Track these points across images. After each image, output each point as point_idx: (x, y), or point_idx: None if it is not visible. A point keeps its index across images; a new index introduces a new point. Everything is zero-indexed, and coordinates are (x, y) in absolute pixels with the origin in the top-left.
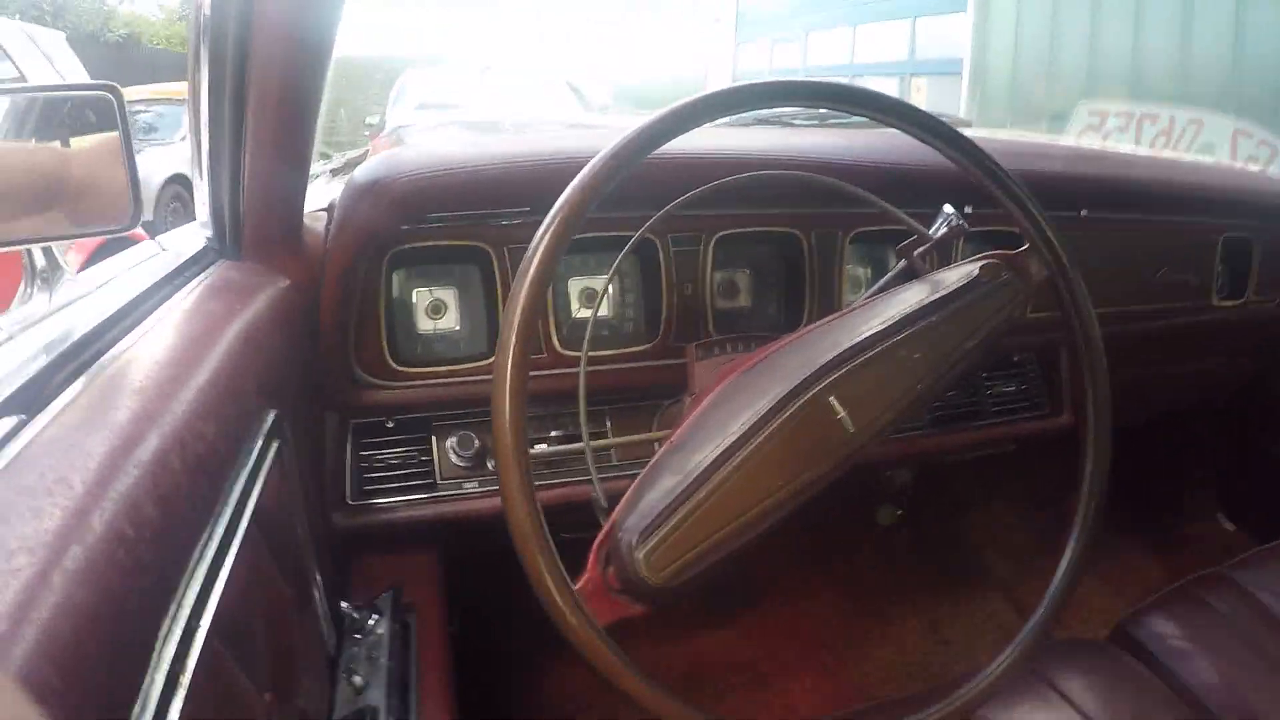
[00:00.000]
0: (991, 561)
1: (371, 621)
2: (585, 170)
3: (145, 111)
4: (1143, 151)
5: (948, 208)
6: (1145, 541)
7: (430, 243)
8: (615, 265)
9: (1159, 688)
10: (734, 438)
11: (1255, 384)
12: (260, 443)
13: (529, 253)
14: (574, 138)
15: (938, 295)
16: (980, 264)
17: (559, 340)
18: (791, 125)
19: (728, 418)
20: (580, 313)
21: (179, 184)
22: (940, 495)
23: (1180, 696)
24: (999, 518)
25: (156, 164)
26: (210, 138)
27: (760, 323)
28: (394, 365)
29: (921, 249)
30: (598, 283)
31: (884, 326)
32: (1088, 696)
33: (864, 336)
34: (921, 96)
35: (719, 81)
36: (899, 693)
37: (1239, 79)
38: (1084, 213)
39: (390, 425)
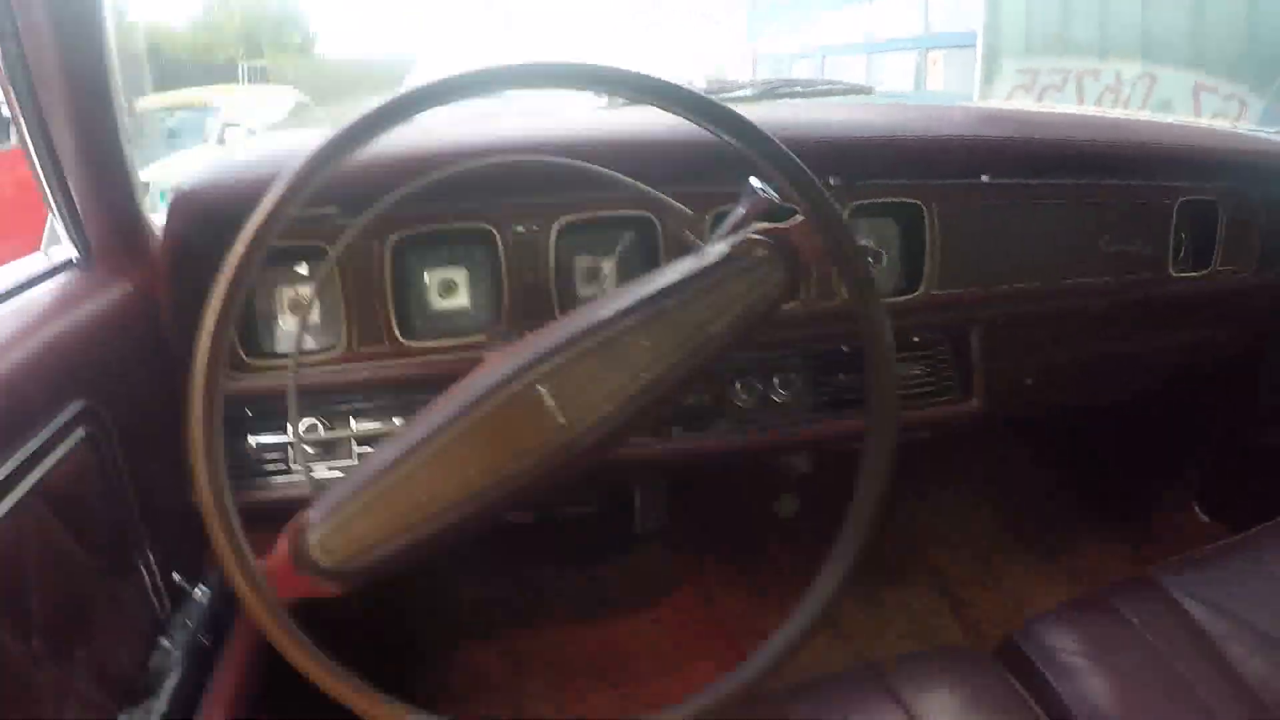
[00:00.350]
0: (898, 555)
1: (198, 592)
2: (274, 188)
3: (169, 118)
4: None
5: (754, 181)
6: (1111, 530)
7: (289, 243)
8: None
9: (1025, 709)
10: (432, 426)
11: (1238, 364)
12: (54, 430)
13: (228, 257)
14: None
15: (674, 278)
16: (733, 240)
17: (399, 330)
18: (739, 100)
19: (440, 405)
20: (440, 304)
21: None
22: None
23: (1051, 714)
24: (910, 510)
25: (176, 170)
26: (33, 149)
27: None
28: (245, 359)
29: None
30: (457, 274)
31: (610, 313)
32: (932, 715)
33: (594, 321)
34: (938, 70)
35: (738, 72)
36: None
37: (1255, 48)
38: (985, 178)
39: (249, 413)
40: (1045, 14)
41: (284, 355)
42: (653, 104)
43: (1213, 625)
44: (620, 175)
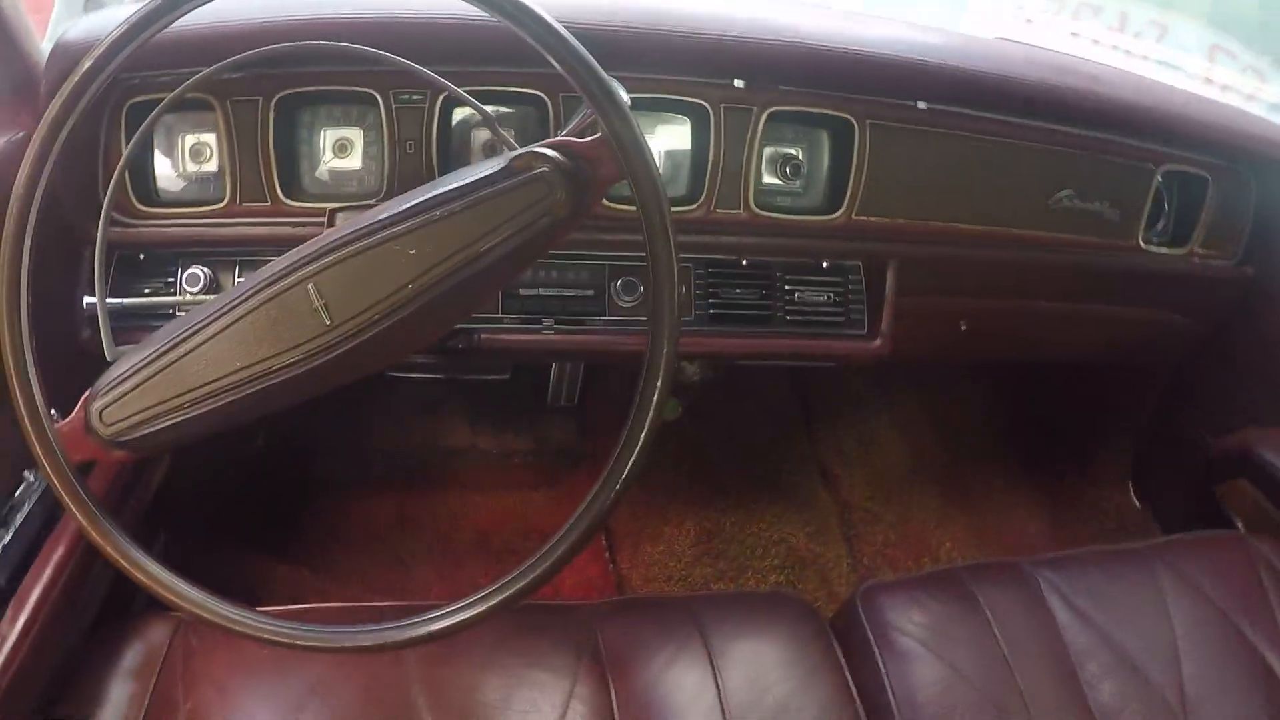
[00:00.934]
0: (786, 478)
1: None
2: (97, 49)
3: None
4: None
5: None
6: (1042, 499)
7: (194, 94)
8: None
9: (837, 676)
10: (211, 310)
11: (1198, 352)
12: None
13: (45, 114)
14: None
15: (451, 185)
16: (516, 154)
17: (281, 189)
18: None
19: (231, 290)
20: (333, 163)
21: None
22: (745, 398)
23: (864, 696)
24: (831, 433)
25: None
26: None
27: None
28: (139, 206)
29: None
30: (353, 134)
31: (389, 215)
32: (738, 666)
33: (366, 222)
34: None
35: None
36: (656, 593)
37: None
38: (921, 104)
39: (142, 258)
40: None
41: (180, 204)
42: None
43: (1074, 635)
44: (436, 77)
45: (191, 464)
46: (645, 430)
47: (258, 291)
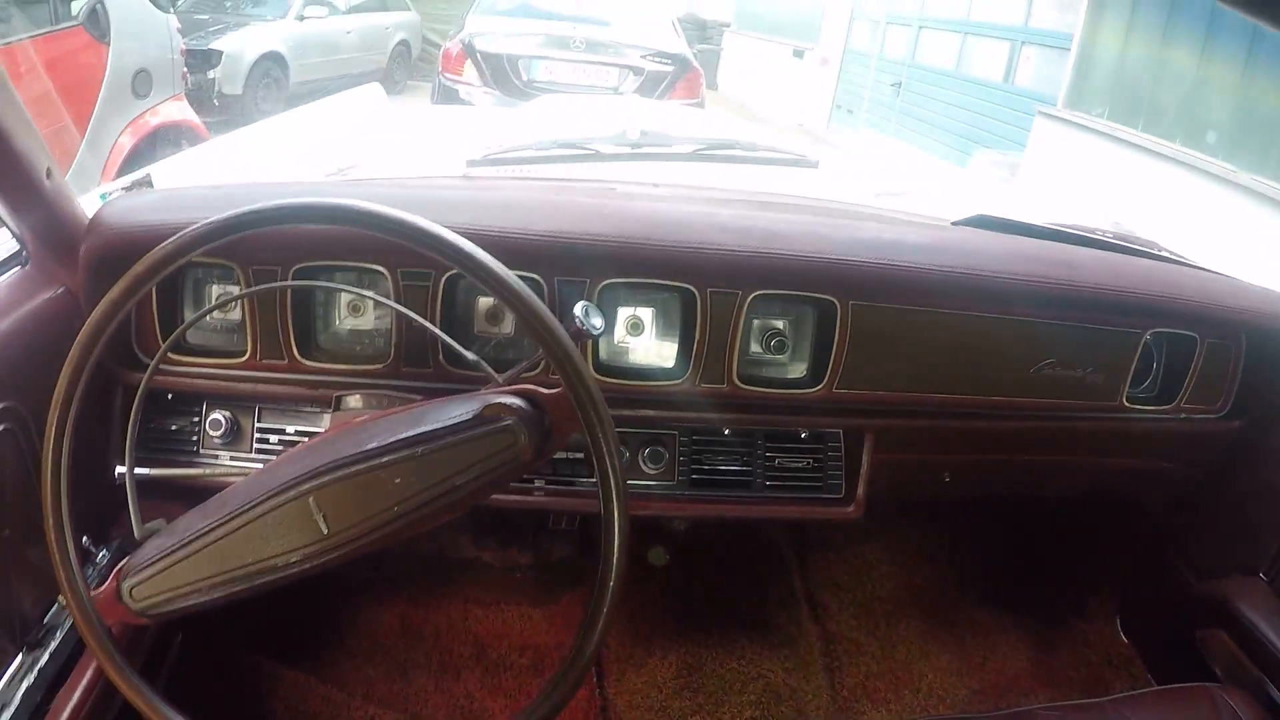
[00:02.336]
0: (770, 616)
1: (101, 555)
2: (120, 284)
3: None
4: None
5: (578, 307)
6: (1027, 633)
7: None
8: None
9: None
10: (227, 511)
11: (1184, 497)
12: None
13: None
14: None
15: (434, 427)
16: (487, 403)
17: (298, 349)
18: (602, 156)
19: (244, 489)
20: (348, 321)
21: (272, 61)
22: (734, 534)
23: None
24: (796, 560)
25: (253, 41)
26: None
27: (507, 356)
28: (169, 354)
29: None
30: (365, 301)
31: (378, 446)
32: None
33: (360, 451)
34: (1030, 67)
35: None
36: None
37: None
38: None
39: (169, 397)
40: (1147, 36)
41: (206, 352)
42: (404, 242)
43: None
44: (404, 309)
45: None
46: (601, 627)
47: (268, 499)
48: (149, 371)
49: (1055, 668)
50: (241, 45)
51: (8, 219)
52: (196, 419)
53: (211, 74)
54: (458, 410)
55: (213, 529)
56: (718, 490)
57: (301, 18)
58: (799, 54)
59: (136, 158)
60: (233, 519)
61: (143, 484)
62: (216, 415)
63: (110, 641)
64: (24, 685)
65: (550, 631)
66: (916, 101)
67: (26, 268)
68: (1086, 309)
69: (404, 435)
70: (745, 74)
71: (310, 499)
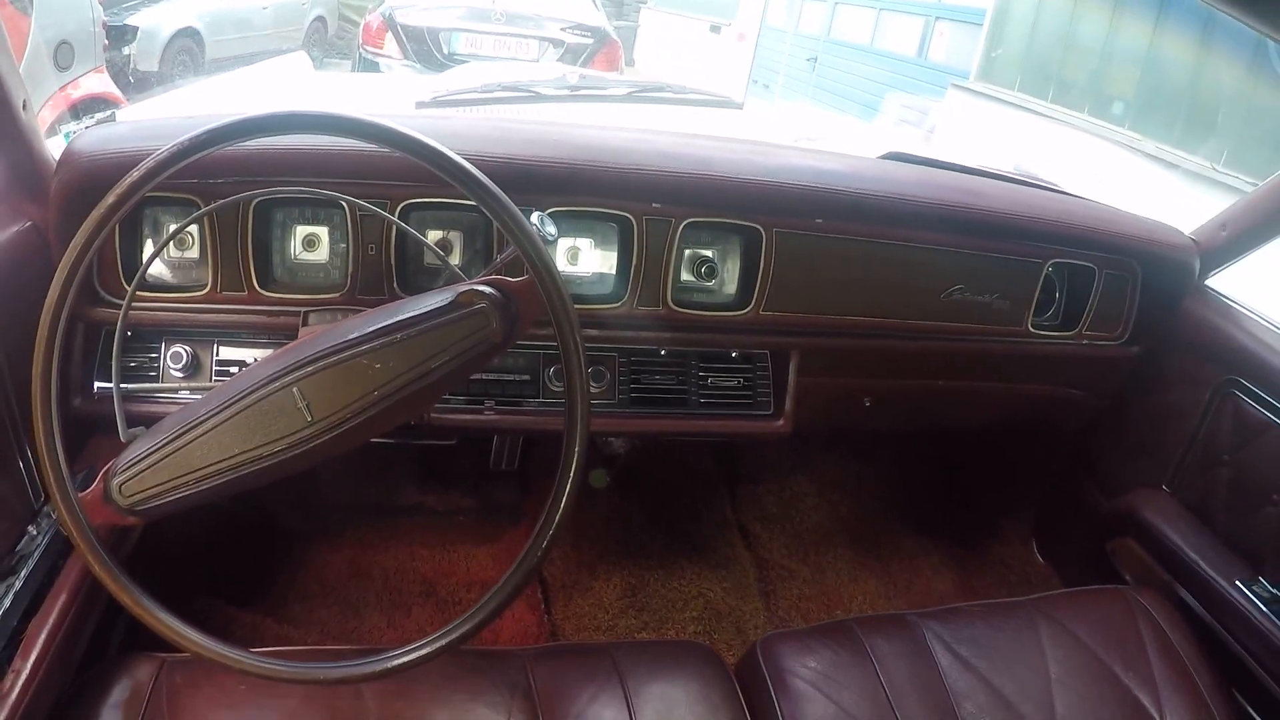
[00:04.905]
0: (708, 539)
1: None
2: (115, 189)
3: None
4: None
5: (535, 215)
6: (950, 556)
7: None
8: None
9: (737, 715)
10: (212, 405)
11: (1092, 421)
12: None
13: (75, 238)
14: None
15: (411, 314)
16: (460, 290)
17: (258, 279)
18: (543, 98)
19: (226, 387)
20: (301, 256)
21: (187, 36)
22: (671, 465)
23: None
24: (750, 496)
25: (169, 16)
26: None
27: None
28: (128, 289)
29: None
30: (320, 230)
31: (357, 334)
32: (650, 704)
33: (341, 340)
34: (944, 42)
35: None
36: (581, 641)
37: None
38: (819, 221)
39: (129, 334)
40: (1056, 10)
41: (164, 289)
42: (398, 153)
43: (954, 678)
44: (388, 215)
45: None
46: (564, 501)
47: (252, 391)
48: (128, 298)
49: (977, 587)
50: (157, 21)
51: None
52: (155, 354)
53: (127, 50)
54: (434, 300)
55: (199, 423)
56: (656, 408)
57: None
58: (716, 29)
59: (58, 132)
60: (218, 413)
61: (109, 419)
62: (176, 348)
63: (98, 540)
64: None
65: (495, 568)
66: (832, 76)
67: None
68: (992, 235)
69: (383, 324)
70: (662, 50)
71: (295, 388)
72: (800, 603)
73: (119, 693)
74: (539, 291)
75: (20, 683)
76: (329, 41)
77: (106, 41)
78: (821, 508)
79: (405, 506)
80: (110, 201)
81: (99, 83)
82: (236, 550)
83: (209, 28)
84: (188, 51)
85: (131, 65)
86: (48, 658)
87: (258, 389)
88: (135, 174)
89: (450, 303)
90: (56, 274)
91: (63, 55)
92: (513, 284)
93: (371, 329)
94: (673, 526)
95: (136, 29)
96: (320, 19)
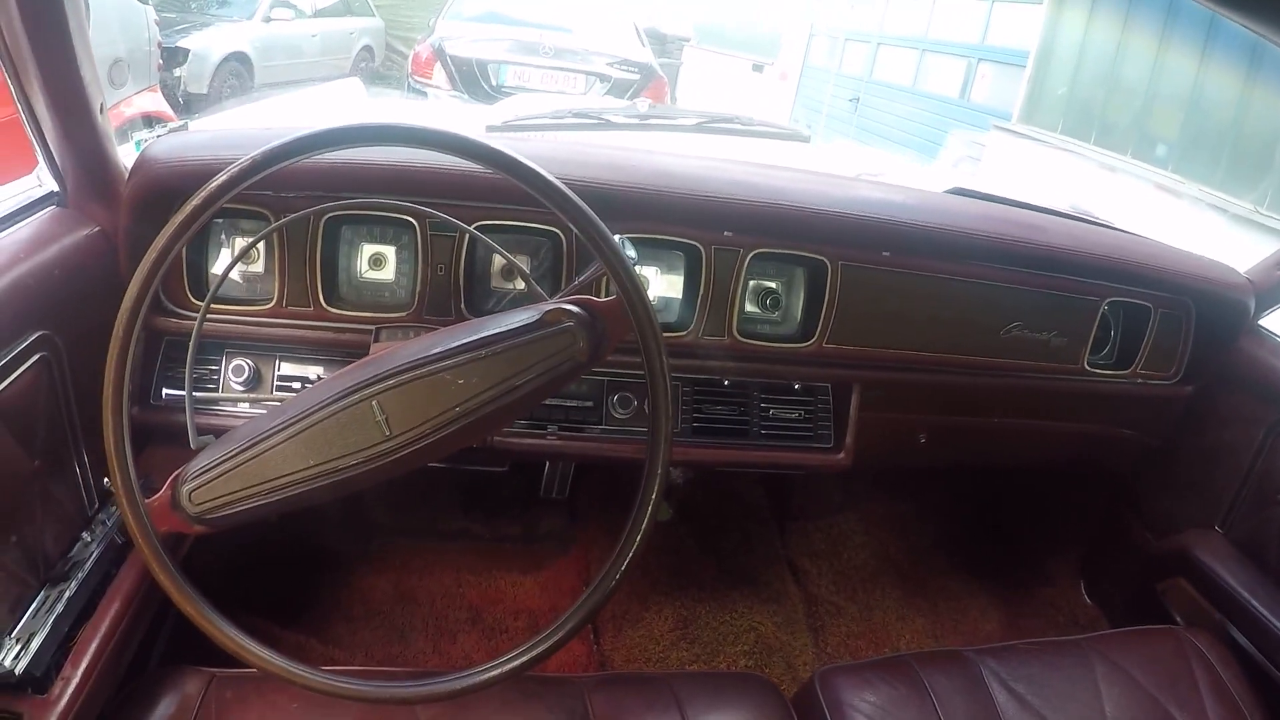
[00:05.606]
0: (758, 573)
1: None
2: (202, 192)
3: None
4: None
5: (617, 238)
6: (997, 596)
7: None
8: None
9: None
10: (288, 415)
11: (1142, 460)
12: (14, 354)
13: (156, 241)
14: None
15: (496, 330)
16: (548, 309)
17: (324, 296)
18: (613, 125)
19: (302, 398)
20: (368, 274)
21: (237, 61)
22: (723, 498)
23: None
24: (776, 528)
25: (219, 40)
26: (14, 95)
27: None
28: (194, 301)
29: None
30: (387, 250)
31: (440, 350)
32: None
33: (423, 355)
34: (986, 84)
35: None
36: (638, 670)
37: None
38: (885, 254)
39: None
40: (1099, 53)
41: (228, 301)
42: (483, 165)
43: (1011, 715)
44: (470, 229)
45: (214, 537)
46: (644, 525)
47: (331, 403)
48: (204, 307)
49: (1025, 628)
50: (208, 44)
51: (56, 150)
52: (216, 367)
53: (178, 72)
54: (519, 317)
55: (274, 432)
56: (718, 438)
57: (268, 19)
58: (758, 68)
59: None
60: (295, 423)
61: (166, 428)
62: (239, 361)
63: (168, 552)
64: (51, 618)
65: (542, 597)
66: (874, 116)
67: (63, 207)
68: (1052, 269)
69: (467, 339)
70: (705, 88)
71: (374, 401)
72: (849, 640)
73: (166, 705)
74: (626, 311)
75: (70, 690)
76: (375, 70)
77: (160, 61)
78: (869, 545)
79: (451, 531)
80: (196, 203)
81: (152, 101)
82: (280, 571)
83: (259, 53)
84: (237, 75)
85: (182, 87)
86: (98, 667)
87: (336, 400)
88: (223, 177)
89: (537, 320)
90: (135, 275)
91: (117, 73)
92: (600, 304)
93: (455, 344)
94: (724, 559)
95: (188, 51)
96: (368, 48)
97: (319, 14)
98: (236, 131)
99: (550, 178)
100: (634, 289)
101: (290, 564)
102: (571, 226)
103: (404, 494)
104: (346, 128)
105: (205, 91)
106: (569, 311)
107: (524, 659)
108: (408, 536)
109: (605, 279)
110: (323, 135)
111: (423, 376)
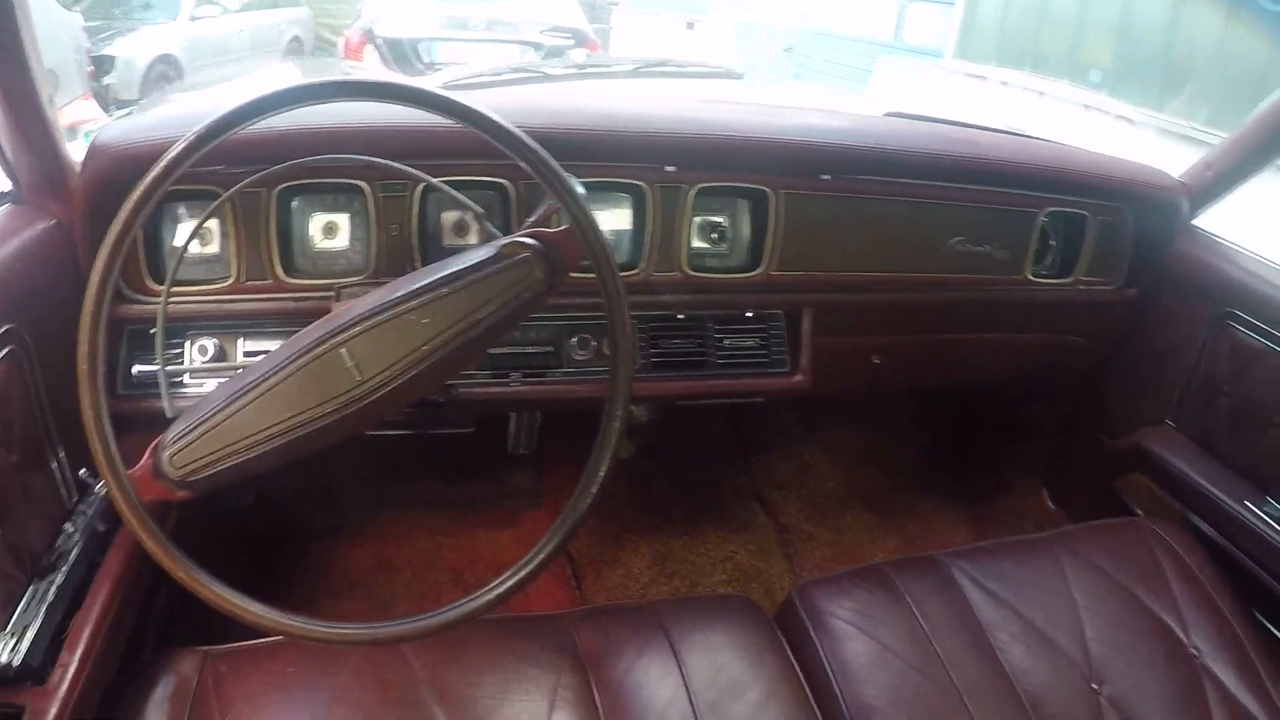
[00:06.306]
0: (728, 505)
1: (99, 486)
2: (161, 162)
3: None
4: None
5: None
6: (965, 512)
7: (192, 186)
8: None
9: (783, 662)
10: (261, 372)
11: (1093, 366)
12: None
13: (119, 214)
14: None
15: (457, 269)
16: (504, 242)
17: (282, 268)
18: (552, 77)
19: (272, 356)
20: (322, 243)
21: (166, 63)
22: (688, 436)
23: (807, 674)
24: (765, 462)
25: (146, 44)
26: None
27: None
28: (153, 285)
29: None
30: (340, 218)
31: (403, 292)
32: (696, 653)
33: (388, 299)
34: (918, 23)
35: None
36: (621, 601)
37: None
38: (825, 177)
39: (152, 331)
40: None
41: (186, 283)
42: (433, 113)
43: (985, 611)
44: (425, 176)
45: (192, 517)
46: (608, 455)
47: (301, 355)
48: (167, 286)
49: (993, 537)
50: (134, 50)
51: (8, 147)
52: (180, 349)
53: (106, 80)
54: (477, 254)
55: (248, 389)
56: (677, 370)
57: (194, 18)
58: (691, 25)
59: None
60: (268, 378)
61: (137, 416)
62: (202, 342)
63: (155, 520)
64: (43, 609)
65: (520, 551)
66: (809, 64)
67: (19, 204)
68: (989, 182)
69: (428, 280)
70: (638, 49)
71: (343, 349)
72: (823, 563)
73: (165, 686)
74: (578, 238)
75: (69, 677)
76: (307, 60)
77: (91, 69)
78: (836, 474)
79: (426, 498)
80: (156, 173)
81: (88, 110)
82: (261, 551)
83: (187, 53)
84: (166, 78)
85: (112, 94)
86: (94, 653)
87: (307, 351)
88: (180, 146)
89: (494, 255)
90: (102, 248)
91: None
92: (552, 233)
93: (418, 285)
94: (693, 494)
95: (114, 59)
96: (297, 39)
97: (246, 8)
98: (184, 111)
99: (495, 116)
100: (584, 216)
101: (270, 544)
102: (523, 165)
103: (376, 465)
104: (299, 86)
105: (137, 97)
106: (524, 244)
107: (505, 586)
108: (383, 507)
109: (557, 216)
110: (279, 95)
111: (389, 320)
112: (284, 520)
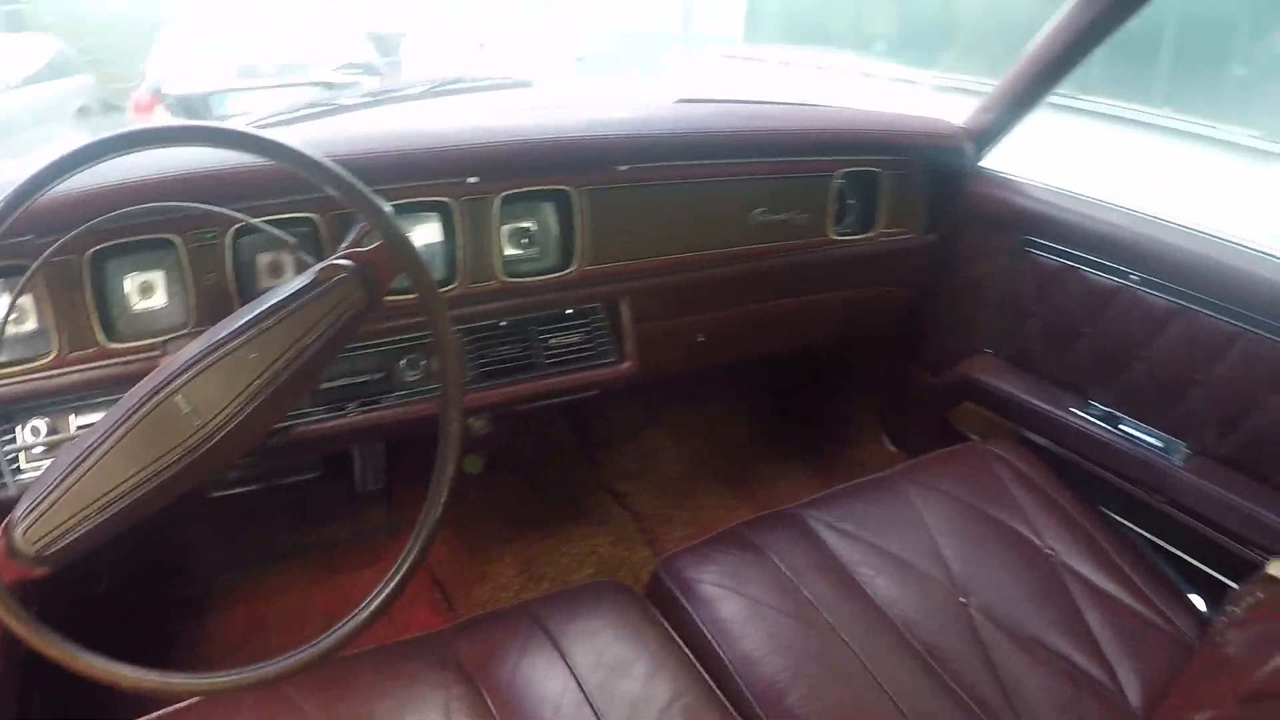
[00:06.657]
0: (583, 502)
1: None
2: None
3: None
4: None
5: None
6: (813, 470)
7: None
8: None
9: (664, 637)
10: (99, 433)
11: (910, 312)
12: None
13: None
14: None
15: (275, 300)
16: (320, 267)
17: (104, 334)
18: (348, 108)
19: (109, 415)
20: (141, 303)
21: None
22: (532, 442)
23: (687, 641)
24: (607, 456)
25: None
26: None
27: None
28: None
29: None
30: (155, 276)
31: (228, 331)
32: (577, 642)
33: (214, 340)
34: (713, 9)
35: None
36: (493, 608)
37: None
38: (622, 168)
39: None
40: None
41: (7, 365)
42: (230, 149)
43: (845, 552)
44: (236, 214)
45: (52, 609)
46: (451, 461)
47: (138, 409)
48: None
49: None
50: None
51: None
52: (11, 435)
53: None
54: (296, 283)
55: (89, 452)
56: (507, 376)
57: None
58: (483, 46)
59: None
60: (107, 438)
61: None
62: (35, 423)
63: (16, 601)
64: None
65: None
66: (602, 67)
67: None
68: (782, 153)
69: (251, 315)
70: (432, 73)
71: (178, 396)
72: (684, 540)
73: None
74: (391, 252)
75: None
76: (98, 125)
77: None
78: (681, 456)
79: (286, 551)
80: None
81: None
82: (129, 633)
83: None
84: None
85: None
86: None
87: (142, 405)
88: None
89: (312, 281)
90: None
91: None
92: (365, 252)
93: (241, 323)
94: (547, 497)
95: None
96: (84, 107)
97: (27, 82)
98: None
99: (292, 144)
100: (394, 231)
101: (136, 621)
102: (329, 191)
103: (230, 525)
104: (100, 140)
105: None
106: (340, 266)
107: (377, 601)
108: (247, 567)
109: (369, 237)
110: (80, 152)
111: (218, 360)
112: (147, 595)
